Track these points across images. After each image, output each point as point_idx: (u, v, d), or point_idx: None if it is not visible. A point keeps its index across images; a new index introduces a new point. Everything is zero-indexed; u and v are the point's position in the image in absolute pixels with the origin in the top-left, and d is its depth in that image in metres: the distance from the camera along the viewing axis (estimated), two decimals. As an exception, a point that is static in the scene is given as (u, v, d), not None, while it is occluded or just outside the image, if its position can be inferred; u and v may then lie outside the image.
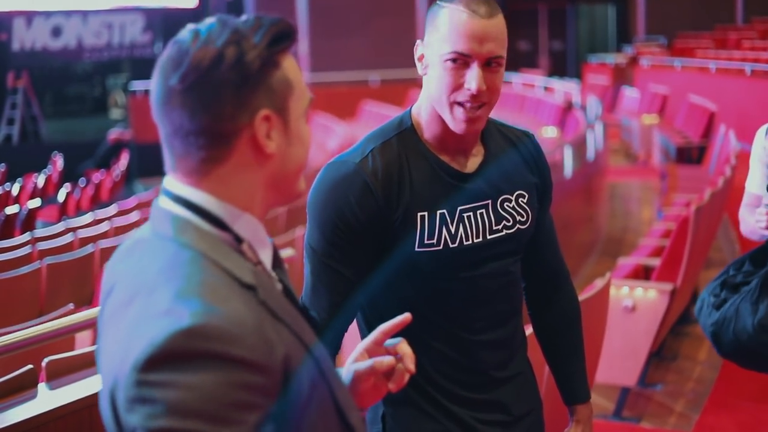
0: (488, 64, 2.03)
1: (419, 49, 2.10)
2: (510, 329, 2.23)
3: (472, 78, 2.01)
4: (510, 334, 2.23)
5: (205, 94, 1.34)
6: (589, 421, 2.39)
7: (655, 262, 5.87)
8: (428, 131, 2.13)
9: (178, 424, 1.19)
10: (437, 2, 2.08)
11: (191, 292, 1.26)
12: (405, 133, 2.13)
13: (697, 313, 2.93)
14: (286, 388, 1.28)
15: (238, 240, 1.39)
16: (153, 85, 1.39)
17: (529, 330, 2.44)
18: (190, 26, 1.41)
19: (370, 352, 1.69)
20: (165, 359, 1.21)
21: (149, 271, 1.33)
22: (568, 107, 14.78)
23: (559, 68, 25.24)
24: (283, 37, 1.41)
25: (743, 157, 9.01)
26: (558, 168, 8.50)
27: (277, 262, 1.51)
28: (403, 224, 2.07)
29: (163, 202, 1.41)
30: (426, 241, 2.08)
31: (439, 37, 2.03)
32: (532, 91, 18.79)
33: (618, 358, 4.96)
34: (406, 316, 1.68)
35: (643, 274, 6.00)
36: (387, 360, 1.64)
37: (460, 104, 2.04)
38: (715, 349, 3.16)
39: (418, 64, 2.11)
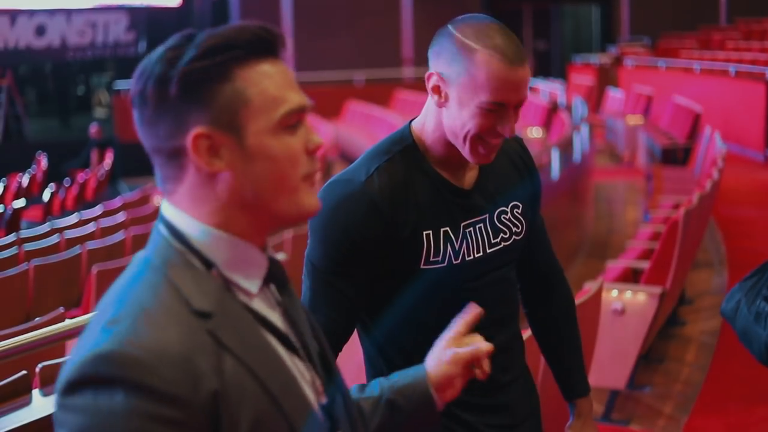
0: (515, 107, 2.03)
1: (434, 79, 2.04)
2: (510, 333, 2.27)
3: (507, 123, 2.01)
4: (511, 338, 2.27)
5: (144, 113, 1.32)
6: (590, 415, 2.42)
7: (644, 264, 5.88)
8: (433, 150, 2.12)
9: None
10: (457, 36, 2.02)
11: (126, 318, 1.23)
12: (407, 149, 2.12)
13: (731, 312, 2.76)
14: (218, 425, 1.23)
15: (207, 264, 1.32)
16: None
17: (526, 334, 2.46)
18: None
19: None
20: (79, 384, 1.19)
21: (113, 290, 1.31)
22: (554, 108, 14.79)
23: (544, 68, 25.28)
24: (225, 49, 1.31)
25: (729, 159, 9.07)
26: (545, 170, 8.51)
27: (280, 284, 1.43)
28: (409, 243, 2.07)
29: (160, 221, 1.37)
30: (432, 259, 2.09)
31: (474, 84, 1.98)
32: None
33: (607, 360, 4.96)
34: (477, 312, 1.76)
35: (631, 276, 6.01)
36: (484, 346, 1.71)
37: (485, 141, 2.03)
38: (758, 357, 2.95)
39: (434, 96, 2.05)
